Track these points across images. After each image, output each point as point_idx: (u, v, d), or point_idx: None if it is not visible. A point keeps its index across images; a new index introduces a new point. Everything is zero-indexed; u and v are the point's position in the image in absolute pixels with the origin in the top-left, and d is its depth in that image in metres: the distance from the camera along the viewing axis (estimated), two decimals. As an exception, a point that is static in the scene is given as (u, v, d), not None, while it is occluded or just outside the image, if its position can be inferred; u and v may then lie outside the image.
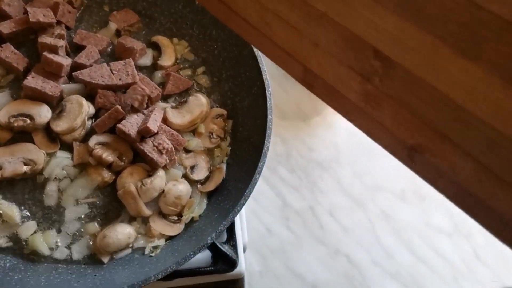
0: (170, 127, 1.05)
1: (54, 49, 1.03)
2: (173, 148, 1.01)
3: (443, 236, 1.41)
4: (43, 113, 0.98)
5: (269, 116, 1.01)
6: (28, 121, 0.96)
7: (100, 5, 1.19)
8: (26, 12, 1.06)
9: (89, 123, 1.02)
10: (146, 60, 1.15)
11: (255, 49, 1.07)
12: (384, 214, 1.40)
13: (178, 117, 1.07)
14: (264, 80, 1.05)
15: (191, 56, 1.19)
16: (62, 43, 1.04)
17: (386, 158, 1.47)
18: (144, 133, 0.99)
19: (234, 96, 1.14)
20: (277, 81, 1.48)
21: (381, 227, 1.38)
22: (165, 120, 1.06)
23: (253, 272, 1.23)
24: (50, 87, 0.99)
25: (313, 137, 1.46)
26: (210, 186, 1.04)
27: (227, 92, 1.16)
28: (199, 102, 1.09)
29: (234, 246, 1.00)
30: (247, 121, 1.10)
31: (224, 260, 0.97)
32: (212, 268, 0.97)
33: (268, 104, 1.02)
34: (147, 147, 0.98)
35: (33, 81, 0.98)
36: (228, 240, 1.01)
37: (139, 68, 1.14)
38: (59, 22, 1.09)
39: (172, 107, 1.08)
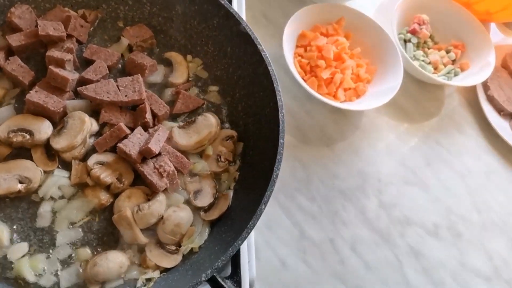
0: (176, 148, 0.98)
1: (60, 63, 0.99)
2: (175, 171, 0.94)
3: (480, 280, 1.26)
4: (43, 129, 0.93)
5: (280, 140, 0.92)
6: (27, 136, 0.92)
7: (114, 20, 1.15)
8: (37, 25, 1.03)
9: (90, 141, 0.97)
10: (157, 77, 1.10)
11: (269, 68, 0.99)
12: (413, 251, 1.27)
13: (184, 138, 1.00)
14: (278, 101, 0.96)
15: (204, 74, 1.13)
16: (69, 57, 1.00)
17: (417, 189, 1.36)
18: (145, 154, 0.92)
19: (247, 117, 1.07)
20: (300, 103, 1.39)
21: (409, 266, 1.25)
22: (170, 141, 0.99)
23: (263, 310, 1.12)
24: (52, 102, 0.95)
25: (337, 163, 1.35)
26: (214, 214, 0.95)
27: (240, 113, 1.08)
28: (208, 123, 1.01)
29: (237, 282, 0.91)
30: (259, 144, 1.01)
31: (225, 298, 0.88)
32: (211, 306, 0.88)
33: (280, 127, 0.94)
34: (147, 169, 0.92)
35: (36, 95, 0.95)
36: (232, 275, 0.92)
37: (149, 85, 1.08)
38: (70, 36, 1.06)
39: (179, 127, 1.01)
